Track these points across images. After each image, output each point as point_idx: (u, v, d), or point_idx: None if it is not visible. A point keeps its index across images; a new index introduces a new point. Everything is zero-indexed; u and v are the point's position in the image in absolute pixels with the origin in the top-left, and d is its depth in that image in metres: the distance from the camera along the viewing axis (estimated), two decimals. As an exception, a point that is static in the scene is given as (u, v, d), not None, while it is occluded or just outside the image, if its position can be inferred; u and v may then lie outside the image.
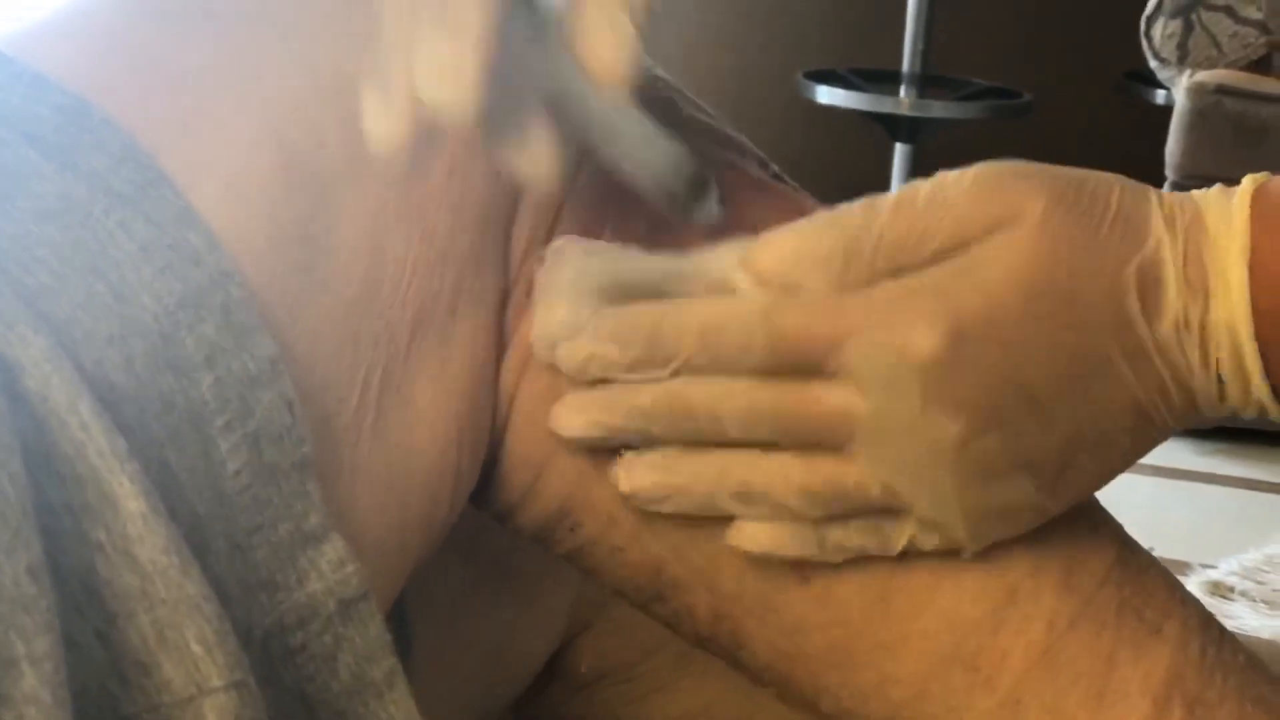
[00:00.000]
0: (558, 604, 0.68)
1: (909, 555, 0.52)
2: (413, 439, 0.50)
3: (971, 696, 0.53)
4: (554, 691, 0.69)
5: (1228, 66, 2.17)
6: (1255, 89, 2.07)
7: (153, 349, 0.44)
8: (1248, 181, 0.51)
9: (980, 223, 0.50)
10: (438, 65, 0.45)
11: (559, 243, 0.52)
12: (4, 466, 0.39)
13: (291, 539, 0.46)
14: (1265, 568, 1.69)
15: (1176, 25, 2.21)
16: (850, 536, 0.51)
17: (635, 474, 0.51)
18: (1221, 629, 0.55)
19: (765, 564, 0.53)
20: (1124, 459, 0.52)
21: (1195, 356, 0.50)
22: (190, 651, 0.42)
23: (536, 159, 0.47)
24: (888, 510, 0.51)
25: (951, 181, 0.50)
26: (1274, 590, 1.65)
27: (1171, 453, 2.10)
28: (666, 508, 0.51)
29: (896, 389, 0.48)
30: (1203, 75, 2.10)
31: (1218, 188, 0.51)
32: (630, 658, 0.70)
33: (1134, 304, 0.50)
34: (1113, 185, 0.51)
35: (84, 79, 0.48)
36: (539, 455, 0.53)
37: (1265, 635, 1.28)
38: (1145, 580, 0.55)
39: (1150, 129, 2.46)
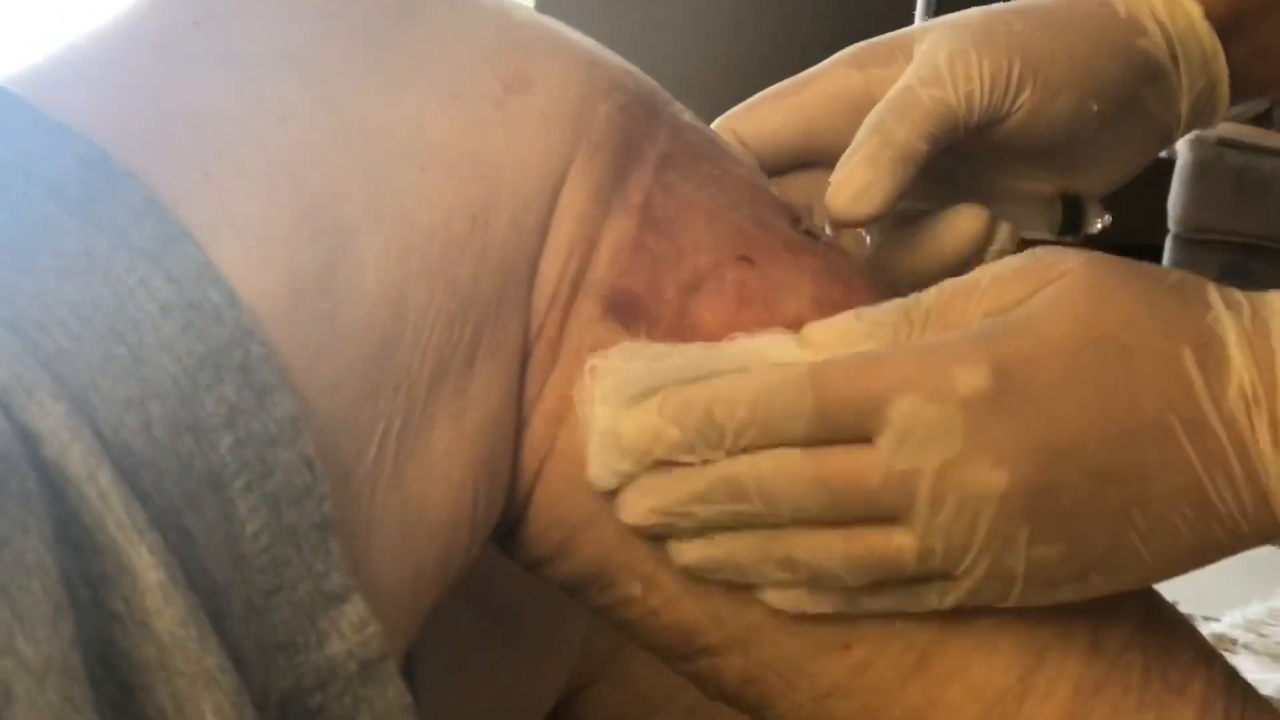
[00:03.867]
0: (565, 655, 0.67)
1: (951, 625, 0.52)
2: (428, 491, 0.50)
3: None
4: (558, 744, 0.69)
5: (1230, 120, 2.18)
6: (1258, 142, 2.07)
7: (171, 411, 0.44)
8: None
9: (1027, 285, 0.49)
10: (854, 188, 0.56)
11: (592, 361, 0.52)
12: (41, 538, 0.39)
13: (312, 600, 0.45)
14: (1269, 620, 1.69)
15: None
16: (884, 601, 0.51)
17: (689, 553, 0.51)
18: (1245, 688, 0.55)
19: (808, 632, 0.52)
20: (1183, 556, 0.50)
21: (1265, 436, 0.48)
22: None
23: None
24: (927, 576, 0.50)
25: (991, 265, 0.51)
26: (1277, 644, 1.64)
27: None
28: (713, 578, 0.52)
29: (939, 435, 0.47)
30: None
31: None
32: (635, 713, 0.70)
33: (1194, 366, 0.48)
34: (1165, 269, 0.50)
35: (103, 125, 0.48)
36: (575, 516, 0.52)
37: (1268, 690, 1.27)
38: (1170, 640, 0.54)
39: (1153, 181, 2.46)
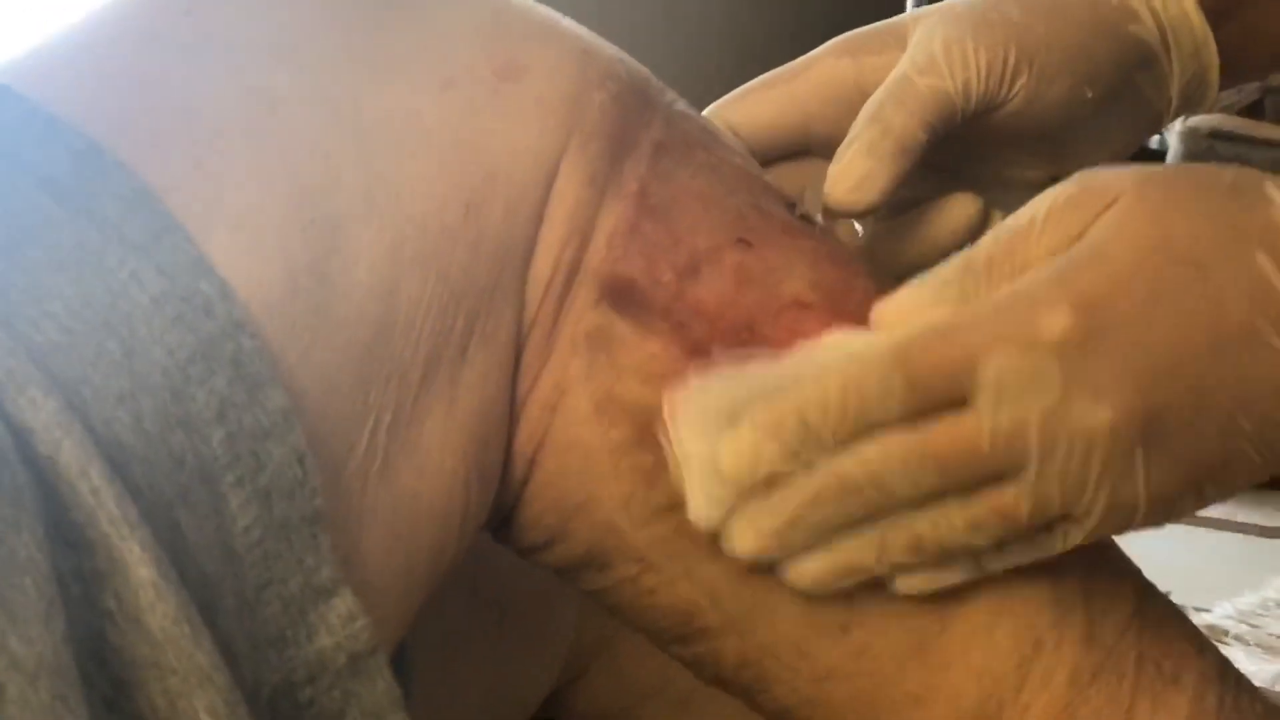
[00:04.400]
0: (557, 645, 0.67)
1: (950, 611, 0.52)
2: (420, 482, 0.50)
3: None
4: (550, 733, 0.69)
5: (1221, 111, 2.18)
6: (1248, 133, 2.07)
7: (163, 406, 0.44)
8: None
9: (1083, 215, 0.49)
10: (853, 178, 0.55)
11: (668, 396, 0.51)
12: (33, 535, 0.39)
13: (302, 594, 0.45)
14: (1260, 612, 1.69)
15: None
16: (1010, 558, 0.51)
17: (810, 569, 0.51)
18: (1239, 678, 0.55)
19: (806, 615, 0.52)
20: None
21: None
22: None
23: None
24: (1048, 525, 0.50)
25: (1042, 198, 0.50)
26: (1269, 635, 1.64)
27: (1166, 496, 2.09)
28: (843, 586, 0.51)
29: (1036, 384, 0.47)
30: (1196, 120, 2.11)
31: None
32: (628, 702, 0.70)
33: (1270, 266, 0.48)
34: (1216, 167, 0.50)
35: (94, 116, 0.47)
36: (569, 502, 0.52)
37: (1259, 681, 1.28)
38: (1164, 630, 0.55)
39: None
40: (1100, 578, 0.55)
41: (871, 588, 0.52)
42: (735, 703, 0.56)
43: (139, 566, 0.41)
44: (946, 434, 0.48)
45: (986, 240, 0.51)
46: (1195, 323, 0.48)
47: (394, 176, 0.50)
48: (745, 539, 0.50)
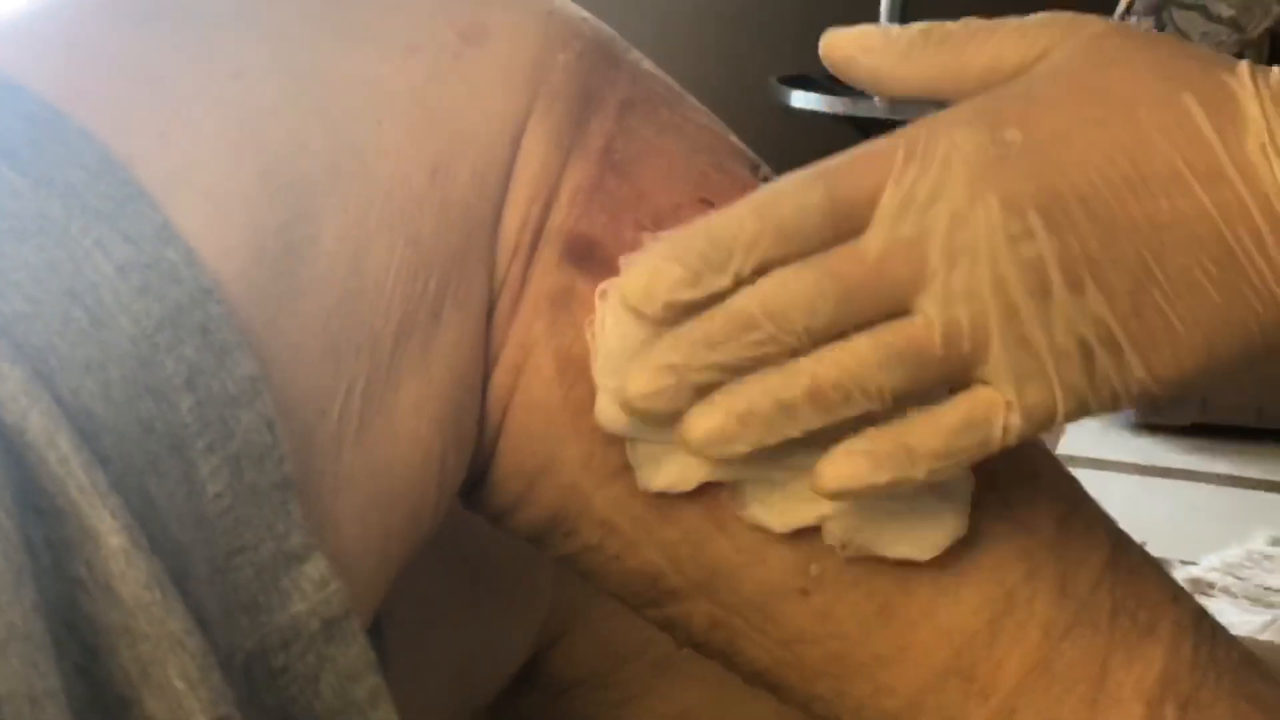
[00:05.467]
0: (534, 609, 0.67)
1: (911, 572, 0.51)
2: (396, 448, 0.50)
3: (966, 707, 0.53)
4: (529, 697, 0.69)
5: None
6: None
7: (131, 374, 0.44)
8: None
9: (1040, 42, 0.48)
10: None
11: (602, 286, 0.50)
12: (1, 504, 0.39)
13: (274, 560, 0.45)
14: (1246, 564, 1.70)
15: (1149, 24, 2.21)
16: (938, 437, 0.48)
17: (701, 419, 0.48)
18: (1214, 626, 0.55)
19: (765, 576, 0.52)
20: (1216, 324, 0.47)
21: None
22: (173, 687, 0.41)
23: None
24: (968, 378, 0.48)
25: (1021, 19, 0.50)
26: (1255, 586, 1.65)
27: (1151, 449, 2.11)
28: (740, 446, 0.48)
29: (939, 194, 0.46)
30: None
31: None
32: (606, 665, 0.70)
33: (1203, 118, 0.46)
34: (1187, 44, 0.49)
35: (57, 84, 0.47)
36: (533, 464, 0.52)
37: (1244, 631, 1.28)
38: (1138, 580, 0.54)
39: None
40: (1073, 529, 0.54)
41: (828, 550, 0.51)
42: (713, 666, 0.56)
43: (109, 534, 0.41)
44: (848, 253, 0.47)
45: (958, 23, 0.51)
46: (1112, 156, 0.46)
47: (359, 143, 0.49)
48: (637, 380, 0.48)
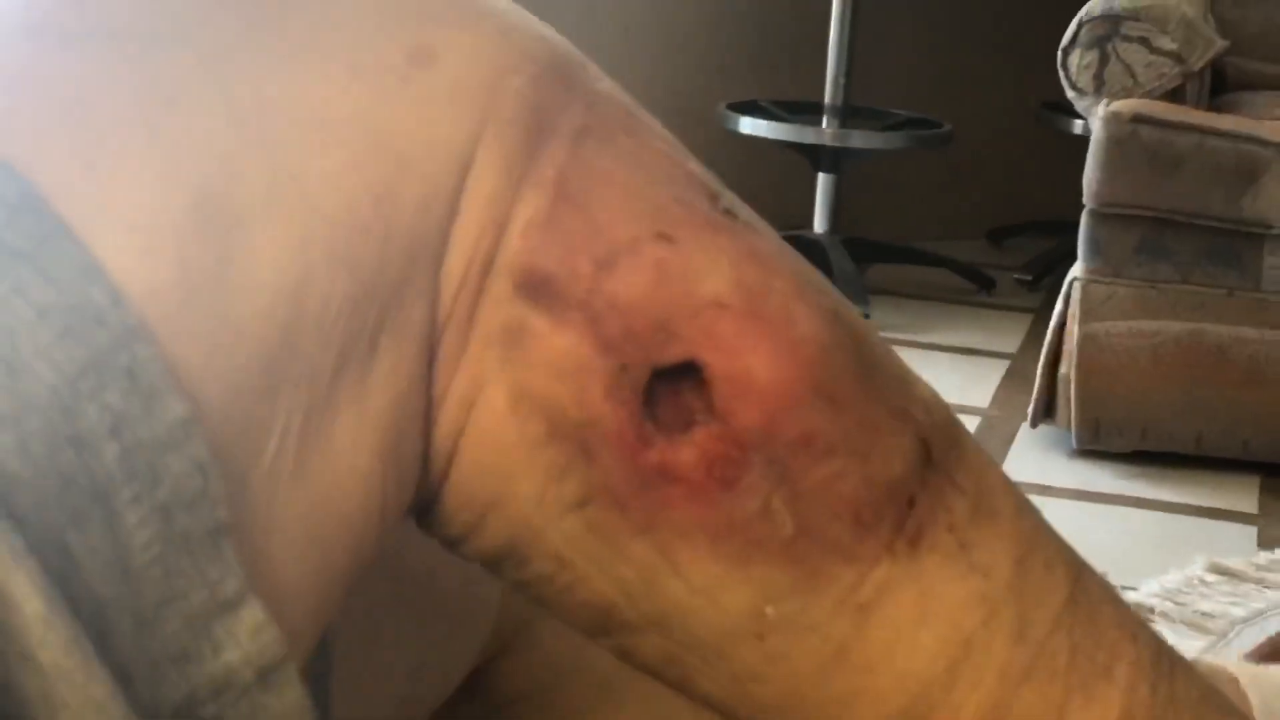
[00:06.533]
0: (482, 623, 0.66)
1: (867, 619, 0.51)
2: (334, 482, 0.47)
3: None
4: (470, 711, 0.68)
5: (1143, 97, 2.20)
6: (1171, 118, 2.09)
7: (50, 425, 0.42)
8: None
9: None
10: None
11: None
12: None
13: (206, 607, 0.43)
14: (1185, 590, 1.71)
15: (1093, 56, 2.24)
16: None
17: None
18: (1174, 661, 0.54)
19: (719, 620, 0.51)
20: None
21: None
22: None
23: None
24: None
25: None
26: (1194, 612, 1.66)
27: (1092, 476, 2.12)
28: None
29: None
30: (1119, 104, 2.13)
31: None
32: (549, 682, 0.69)
33: None
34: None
35: None
36: (484, 497, 0.51)
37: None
38: (1096, 619, 0.54)
39: (1069, 158, 2.49)
40: (1031, 569, 0.53)
41: (785, 595, 0.51)
42: (657, 685, 0.56)
43: (26, 601, 0.39)
44: None
45: None
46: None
47: (300, 171, 0.47)
48: None
